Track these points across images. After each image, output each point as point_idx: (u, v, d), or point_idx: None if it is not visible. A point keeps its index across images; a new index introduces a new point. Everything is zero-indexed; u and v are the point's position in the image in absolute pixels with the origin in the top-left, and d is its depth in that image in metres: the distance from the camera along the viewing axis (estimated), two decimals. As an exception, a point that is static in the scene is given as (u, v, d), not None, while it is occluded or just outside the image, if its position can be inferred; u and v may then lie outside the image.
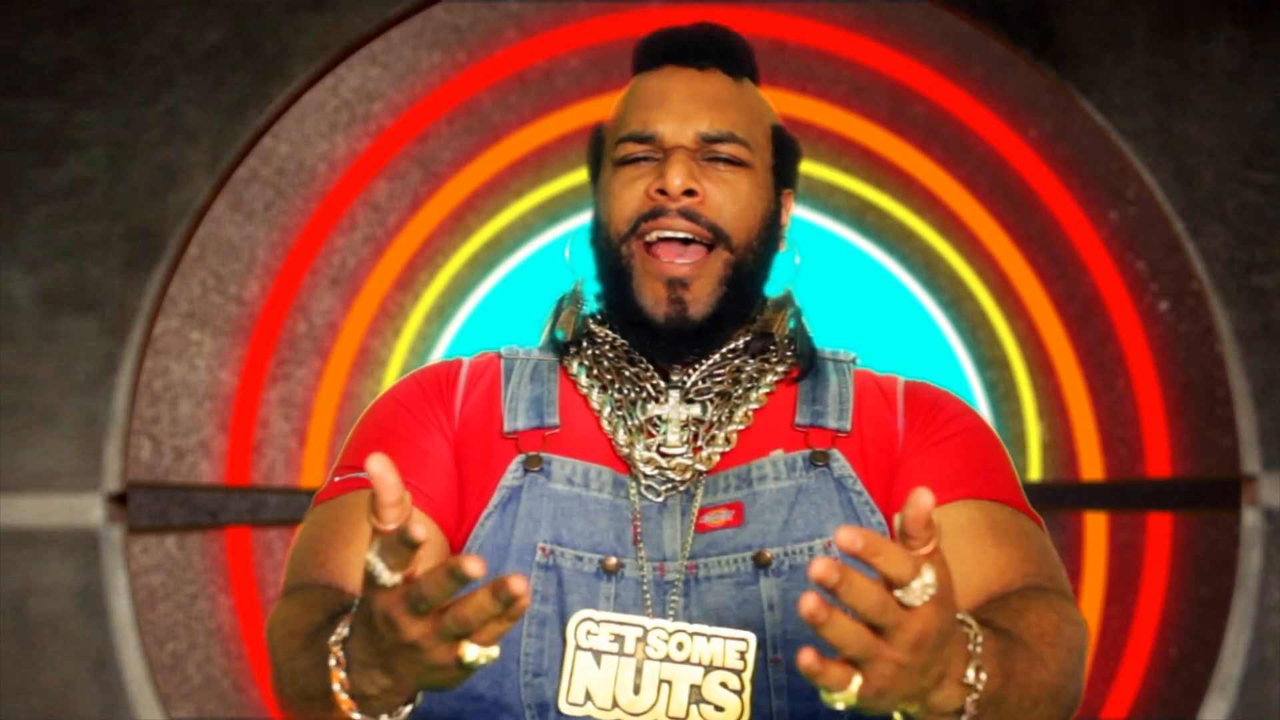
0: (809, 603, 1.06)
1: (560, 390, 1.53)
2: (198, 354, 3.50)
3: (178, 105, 2.20)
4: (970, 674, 1.17)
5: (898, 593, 1.08)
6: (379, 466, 1.08)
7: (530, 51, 3.59)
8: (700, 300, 1.48)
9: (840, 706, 1.10)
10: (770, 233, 1.55)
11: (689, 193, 1.48)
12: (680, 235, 1.48)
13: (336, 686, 1.20)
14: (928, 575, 1.08)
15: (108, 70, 2.20)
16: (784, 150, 1.59)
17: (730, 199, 1.49)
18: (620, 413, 1.49)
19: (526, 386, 1.53)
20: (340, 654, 1.20)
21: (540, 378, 1.54)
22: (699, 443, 1.48)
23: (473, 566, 1.05)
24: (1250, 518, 2.21)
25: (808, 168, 3.66)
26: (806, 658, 1.07)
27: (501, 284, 3.68)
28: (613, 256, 1.51)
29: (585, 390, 1.52)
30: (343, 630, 1.21)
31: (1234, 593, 2.18)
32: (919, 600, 1.08)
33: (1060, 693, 1.30)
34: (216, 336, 3.52)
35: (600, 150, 1.60)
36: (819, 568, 1.05)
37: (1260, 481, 2.20)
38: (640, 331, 1.51)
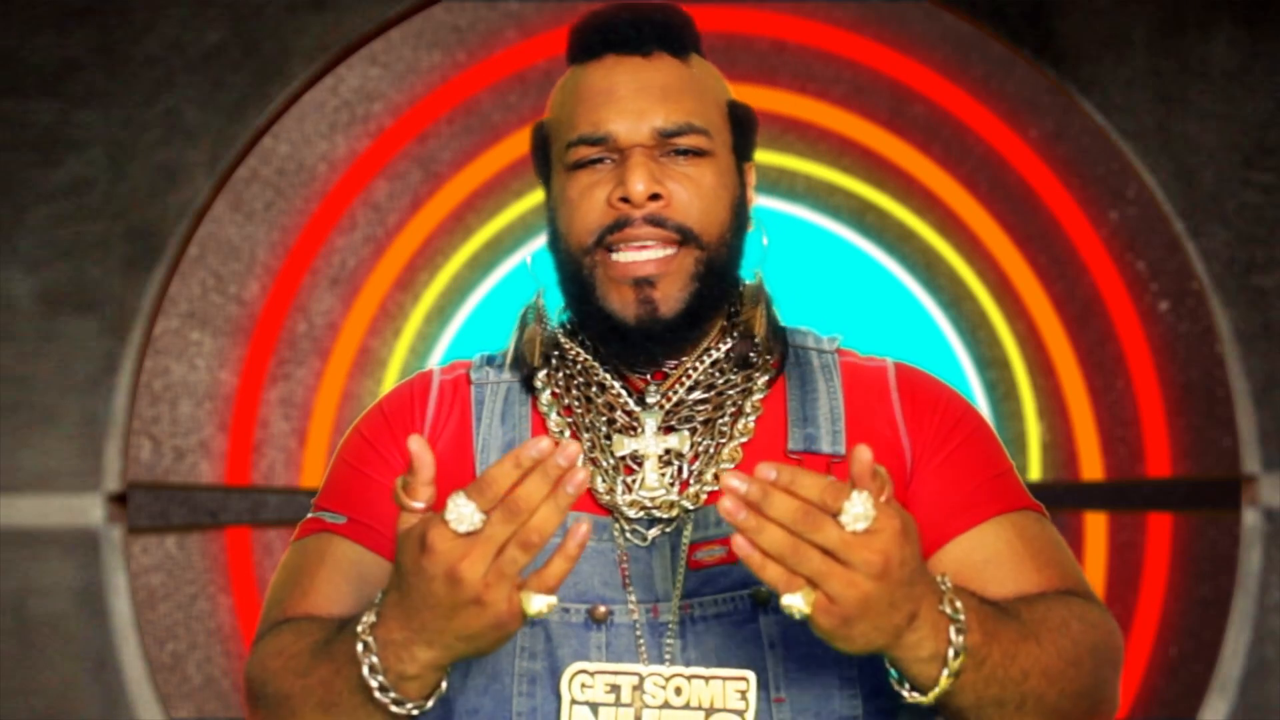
0: (725, 503, 1.12)
1: (533, 433, 1.46)
2: (198, 354, 3.50)
3: (178, 105, 2.20)
4: (947, 607, 1.20)
5: (839, 518, 1.13)
6: (417, 445, 1.16)
7: (530, 51, 3.60)
8: (670, 298, 1.40)
9: (796, 617, 1.15)
10: (739, 219, 1.46)
11: (654, 197, 1.39)
12: (648, 244, 1.40)
13: (367, 671, 1.19)
14: (860, 501, 1.13)
15: (108, 70, 2.20)
16: (741, 125, 1.49)
17: (696, 195, 1.41)
18: (594, 455, 1.43)
19: (498, 430, 1.46)
20: (369, 639, 1.20)
21: (512, 416, 1.47)
22: (684, 476, 1.42)
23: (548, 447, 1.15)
24: (1250, 518, 2.21)
25: (808, 168, 3.67)
26: (738, 540, 1.13)
27: (501, 284, 3.68)
28: (575, 267, 1.44)
29: (556, 435, 1.45)
30: (369, 617, 1.21)
31: (1234, 593, 2.18)
32: (857, 523, 1.13)
33: (1060, 678, 1.29)
34: (216, 336, 3.52)
35: (546, 150, 1.51)
36: (726, 481, 1.12)
37: (1260, 481, 2.20)
38: (612, 338, 1.43)
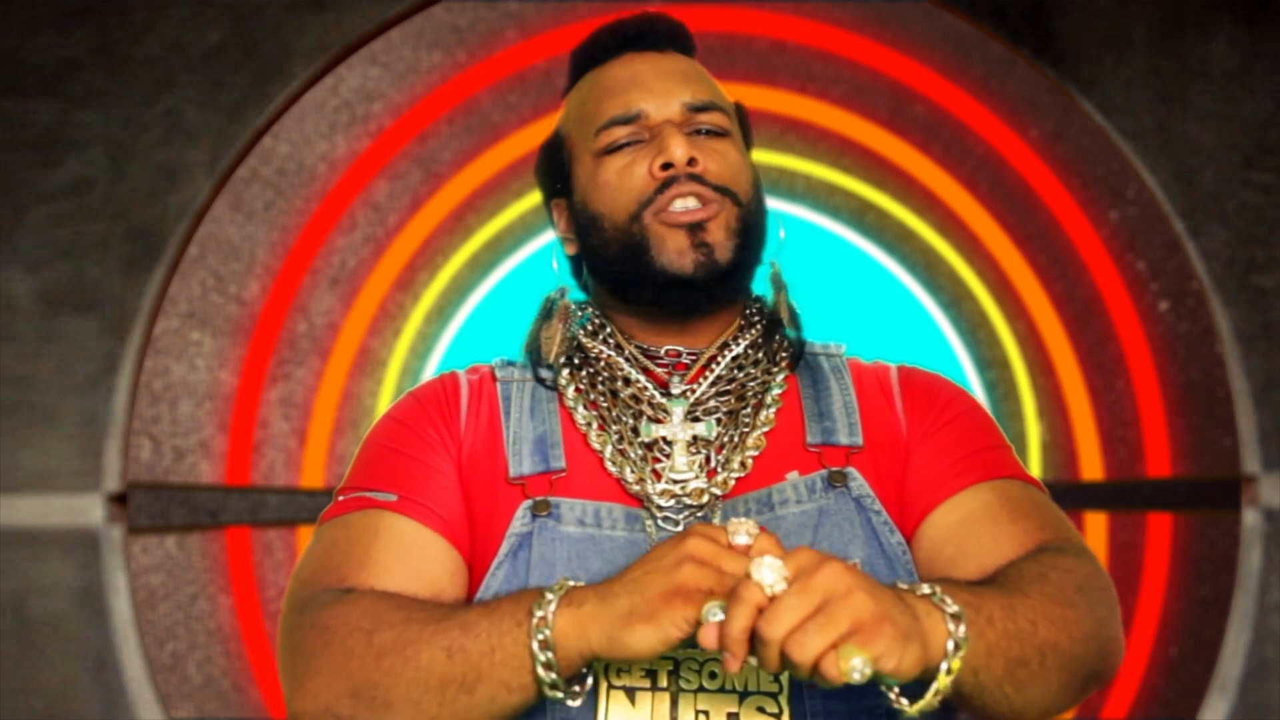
0: (732, 666, 1.15)
1: (562, 426, 1.51)
2: (198, 354, 3.50)
3: (178, 105, 2.20)
4: (924, 588, 1.21)
5: (768, 591, 1.15)
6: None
7: (530, 51, 3.60)
8: (722, 244, 1.48)
9: (858, 678, 1.12)
10: (761, 198, 1.56)
11: (690, 162, 1.48)
12: (690, 198, 1.49)
13: (539, 615, 1.22)
14: (765, 565, 1.16)
15: (108, 70, 2.20)
16: (745, 125, 1.62)
17: (725, 165, 1.51)
18: (622, 446, 1.48)
19: (528, 424, 1.51)
20: (556, 595, 1.23)
21: (540, 411, 1.52)
22: (711, 465, 1.47)
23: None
24: (1250, 518, 2.21)
25: (808, 168, 3.67)
26: (732, 666, 1.15)
27: (501, 284, 3.68)
28: (622, 236, 1.50)
29: (584, 428, 1.50)
30: (553, 595, 1.24)
31: (1234, 593, 2.18)
32: (780, 578, 1.15)
33: (1062, 621, 1.30)
34: (216, 336, 3.52)
35: (561, 158, 1.59)
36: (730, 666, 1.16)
37: (1260, 481, 2.20)
38: (671, 290, 1.48)
